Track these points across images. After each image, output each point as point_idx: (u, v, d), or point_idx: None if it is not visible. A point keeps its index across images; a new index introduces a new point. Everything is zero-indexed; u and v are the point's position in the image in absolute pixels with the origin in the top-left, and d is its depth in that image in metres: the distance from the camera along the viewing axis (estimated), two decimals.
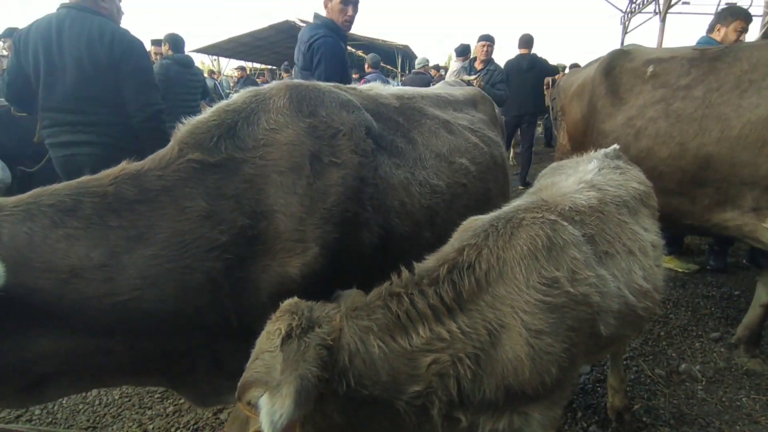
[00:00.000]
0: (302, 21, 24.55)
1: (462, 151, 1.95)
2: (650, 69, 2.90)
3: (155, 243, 1.18)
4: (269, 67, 24.63)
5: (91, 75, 2.54)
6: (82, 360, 1.20)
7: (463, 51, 7.42)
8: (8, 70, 2.69)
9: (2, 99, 3.40)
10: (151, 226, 1.19)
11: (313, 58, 3.16)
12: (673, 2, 13.54)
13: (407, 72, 9.38)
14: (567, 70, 11.97)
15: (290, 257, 1.30)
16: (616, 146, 2.24)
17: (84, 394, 2.70)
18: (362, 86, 1.92)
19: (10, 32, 5.20)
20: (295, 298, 1.25)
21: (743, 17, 4.06)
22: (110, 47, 2.54)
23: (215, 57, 29.26)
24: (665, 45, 13.31)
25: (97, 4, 2.66)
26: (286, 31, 25.14)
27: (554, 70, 8.12)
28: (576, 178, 1.74)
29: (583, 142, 3.25)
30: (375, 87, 1.96)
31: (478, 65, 5.86)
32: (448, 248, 1.35)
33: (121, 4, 2.91)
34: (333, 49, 3.14)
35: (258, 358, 1.17)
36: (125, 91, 2.61)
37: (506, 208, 1.48)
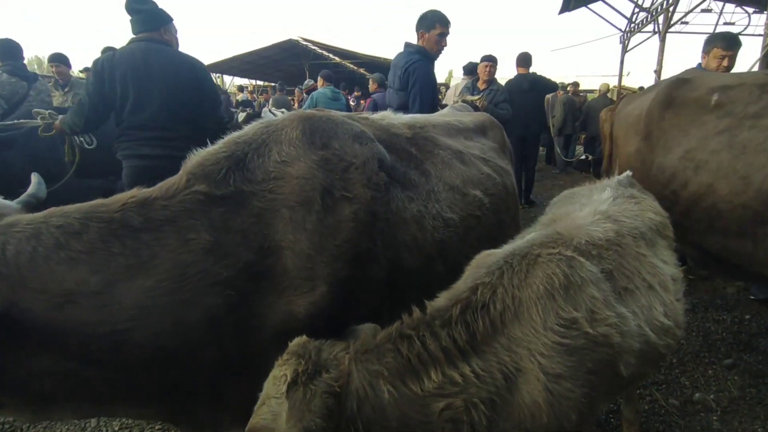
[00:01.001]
0: (305, 40, 24.89)
1: (475, 183, 1.90)
2: (715, 97, 2.67)
3: (155, 274, 1.15)
4: (273, 84, 24.83)
5: (176, 97, 2.93)
6: (79, 385, 1.18)
7: (471, 69, 7.43)
8: (90, 95, 2.93)
9: (17, 121, 3.53)
10: (153, 256, 1.16)
11: (409, 80, 3.65)
12: (672, 22, 13.65)
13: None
14: (569, 88, 12.03)
15: (297, 296, 1.26)
16: (629, 173, 2.19)
17: (83, 425, 2.62)
18: (374, 115, 1.88)
19: (58, 56, 5.72)
20: (304, 338, 1.20)
21: (721, 44, 3.86)
22: (192, 72, 3.00)
23: (218, 75, 29.64)
24: (665, 64, 13.43)
25: (162, 37, 3.06)
26: (289, 50, 25.47)
27: (554, 87, 8.12)
28: (591, 208, 1.68)
29: (640, 177, 2.86)
30: (387, 116, 1.92)
31: (480, 85, 5.86)
32: (461, 286, 1.29)
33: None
34: (426, 72, 3.63)
35: (265, 403, 1.13)
36: (203, 109, 3.04)
37: (520, 243, 1.42)
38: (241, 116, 9.52)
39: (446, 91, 8.62)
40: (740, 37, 4.14)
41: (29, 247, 1.10)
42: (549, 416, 1.19)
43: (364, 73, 24.41)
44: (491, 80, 5.86)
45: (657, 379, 2.89)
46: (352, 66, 24.62)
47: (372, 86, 8.81)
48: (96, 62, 2.90)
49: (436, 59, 3.84)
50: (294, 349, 1.16)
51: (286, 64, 27.60)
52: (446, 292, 1.30)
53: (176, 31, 3.24)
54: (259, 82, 30.45)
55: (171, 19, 3.16)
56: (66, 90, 5.69)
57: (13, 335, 1.07)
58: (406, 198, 1.55)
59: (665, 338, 1.47)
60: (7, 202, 1.33)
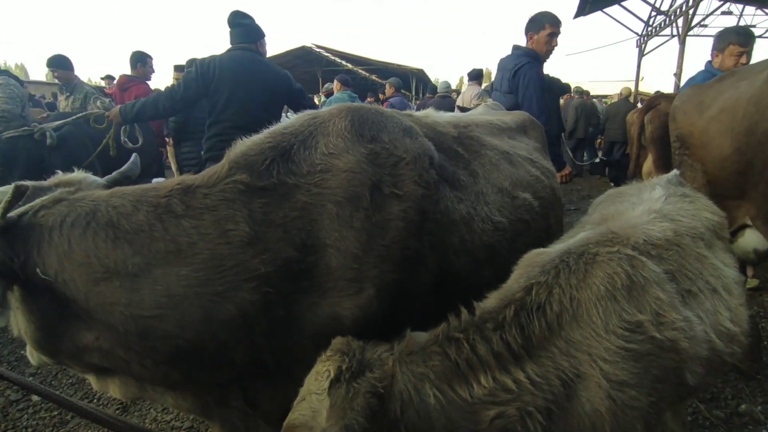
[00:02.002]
0: (318, 47, 25.05)
1: (524, 185, 1.80)
2: None
3: (192, 263, 1.12)
4: None
5: (276, 100, 3.36)
6: (120, 365, 1.20)
7: (476, 75, 7.39)
8: (188, 88, 3.18)
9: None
10: (192, 244, 1.13)
11: (519, 83, 3.65)
12: (692, 24, 13.42)
13: (421, 96, 9.40)
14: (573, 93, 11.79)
15: (342, 298, 1.18)
16: (676, 171, 2.08)
17: None
18: (418, 113, 1.81)
19: (56, 60, 5.49)
20: (348, 337, 1.13)
21: (738, 39, 3.56)
22: (285, 81, 3.40)
23: None
24: (685, 68, 13.18)
25: (258, 49, 3.42)
26: (302, 56, 25.67)
27: (566, 89, 8.01)
28: (644, 207, 1.58)
29: (737, 184, 2.42)
30: (431, 114, 1.84)
31: None
32: (514, 286, 1.21)
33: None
34: (536, 74, 3.62)
35: (305, 399, 1.07)
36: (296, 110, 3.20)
37: (572, 241, 1.33)
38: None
39: (457, 96, 8.57)
40: (761, 39, 3.86)
41: (84, 221, 1.12)
42: (612, 426, 1.10)
43: (377, 79, 24.48)
44: None
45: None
46: (364, 72, 24.68)
47: (389, 90, 8.79)
48: (203, 63, 3.13)
49: (546, 60, 3.85)
50: (338, 347, 1.10)
51: (300, 71, 27.77)
52: (496, 292, 1.22)
53: (266, 45, 3.59)
54: None
55: (265, 35, 3.51)
56: (67, 95, 5.42)
57: (62, 305, 1.12)
58: (455, 198, 1.47)
59: (731, 346, 1.36)
60: (95, 177, 1.38)
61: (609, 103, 12.78)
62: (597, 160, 7.55)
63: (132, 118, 3.26)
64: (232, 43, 3.36)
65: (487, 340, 1.10)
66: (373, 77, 24.16)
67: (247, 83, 3.14)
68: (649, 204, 1.61)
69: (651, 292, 1.18)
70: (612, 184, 7.98)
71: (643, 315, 1.13)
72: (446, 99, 8.31)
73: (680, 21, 13.67)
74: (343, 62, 25.88)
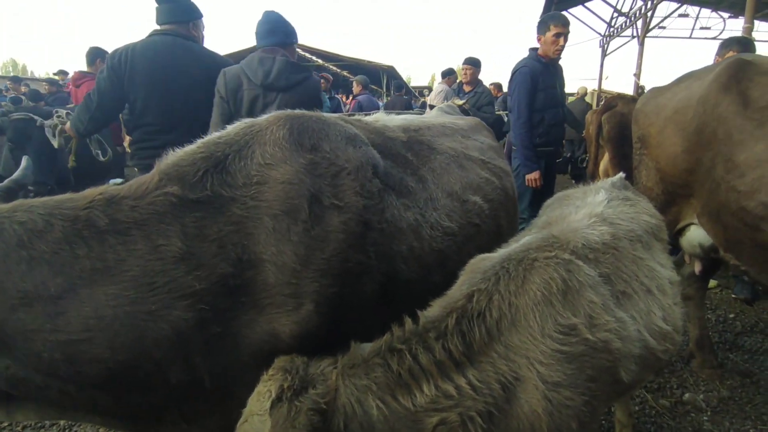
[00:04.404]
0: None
1: (474, 188, 1.81)
2: None
3: (121, 281, 1.06)
4: None
5: (208, 96, 2.60)
6: (38, 392, 1.11)
7: (447, 73, 7.47)
8: (100, 92, 2.63)
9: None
10: (120, 261, 1.07)
11: (511, 86, 4.05)
12: (650, 26, 13.91)
13: (392, 92, 9.45)
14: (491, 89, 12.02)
15: (280, 314, 1.16)
16: (622, 175, 2.16)
17: None
18: (368, 117, 1.81)
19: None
20: (293, 354, 1.13)
21: (738, 48, 3.69)
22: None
23: None
24: (644, 68, 13.66)
25: (190, 32, 2.79)
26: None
27: None
28: (586, 211, 1.64)
29: (686, 182, 2.52)
30: (381, 118, 1.84)
31: (466, 88, 5.87)
32: (456, 293, 1.24)
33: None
34: (524, 79, 3.94)
35: (247, 420, 1.07)
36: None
37: (516, 247, 1.37)
38: None
39: (428, 93, 8.70)
40: (717, 41, 4.04)
41: None
42: (549, 426, 1.14)
43: (348, 75, 24.32)
44: (477, 83, 5.86)
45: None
46: (335, 68, 24.50)
47: (356, 88, 8.76)
48: (113, 56, 2.60)
49: (556, 60, 4.10)
50: (281, 365, 1.10)
51: None
52: (440, 299, 1.25)
53: (203, 28, 2.95)
54: None
55: (201, 15, 2.89)
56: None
57: None
58: (402, 206, 1.47)
59: (664, 343, 1.43)
60: None
61: (571, 101, 13.12)
62: (559, 159, 7.72)
63: (77, 133, 2.82)
64: (157, 23, 2.78)
65: (430, 348, 1.13)
66: (345, 73, 23.99)
67: (167, 76, 2.59)
68: (591, 208, 1.67)
69: (585, 296, 1.23)
70: (573, 182, 8.20)
71: (577, 318, 1.18)
72: (400, 98, 8.45)
73: (639, 23, 14.17)
74: (313, 58, 25.60)
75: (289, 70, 2.82)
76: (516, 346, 1.15)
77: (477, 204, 1.76)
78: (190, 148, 1.25)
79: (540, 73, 4.02)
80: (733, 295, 4.07)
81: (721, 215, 2.27)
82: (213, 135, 1.30)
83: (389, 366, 1.11)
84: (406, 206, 1.48)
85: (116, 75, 2.58)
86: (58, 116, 3.27)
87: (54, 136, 2.97)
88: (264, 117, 1.37)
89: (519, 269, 1.24)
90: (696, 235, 2.54)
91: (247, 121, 1.37)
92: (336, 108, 8.68)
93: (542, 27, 3.98)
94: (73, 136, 2.89)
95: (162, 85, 2.59)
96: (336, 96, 9.30)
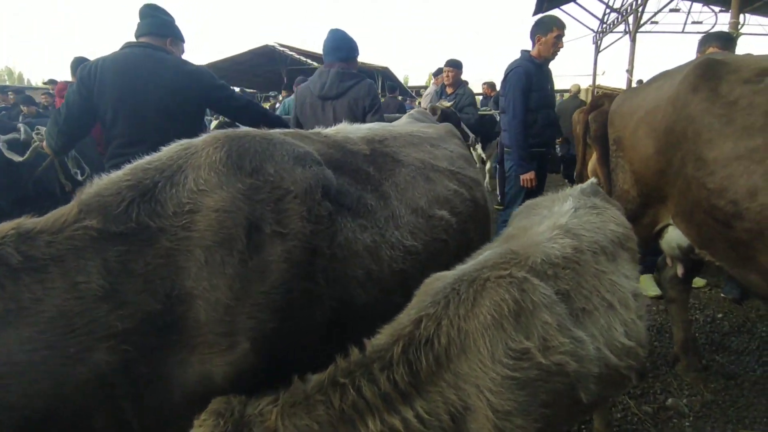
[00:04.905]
0: (281, 45, 24.68)
1: (442, 202, 1.73)
2: None
3: (36, 323, 0.98)
4: (251, 91, 24.55)
5: (179, 110, 2.59)
6: None
7: (437, 73, 7.43)
8: (69, 105, 2.58)
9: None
10: (36, 301, 0.99)
11: (506, 87, 4.12)
12: (642, 22, 13.86)
13: (386, 94, 9.38)
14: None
15: (213, 354, 1.09)
16: (593, 180, 2.12)
17: None
18: (329, 130, 1.74)
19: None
20: (230, 395, 1.08)
21: (718, 43, 3.67)
22: (197, 82, 2.67)
23: None
24: (636, 64, 13.61)
25: (166, 47, 2.76)
26: (266, 55, 25.19)
27: None
28: (550, 222, 1.60)
29: (659, 184, 2.47)
30: (344, 130, 1.77)
31: (448, 90, 5.86)
32: (404, 319, 1.19)
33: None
34: (518, 80, 3.98)
35: None
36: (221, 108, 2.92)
37: (471, 264, 1.33)
38: (214, 124, 9.28)
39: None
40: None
41: None
42: None
43: None
44: (459, 84, 5.87)
45: (629, 385, 2.84)
46: None
47: None
48: (83, 68, 2.56)
49: (551, 60, 4.21)
50: (214, 407, 1.03)
51: (264, 70, 27.27)
52: (389, 326, 1.19)
53: (183, 52, 2.96)
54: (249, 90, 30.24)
55: (183, 40, 2.93)
56: None
57: None
58: (358, 227, 1.40)
59: (627, 359, 1.39)
60: None
61: (565, 99, 13.07)
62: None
63: (55, 148, 2.71)
64: (135, 35, 2.76)
65: (374, 380, 1.08)
66: None
67: (136, 87, 2.51)
68: (555, 218, 1.63)
69: (539, 317, 1.18)
70: (566, 181, 8.16)
71: (529, 342, 1.14)
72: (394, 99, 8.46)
73: (631, 18, 14.12)
74: (309, 61, 25.54)
75: (339, 79, 3.27)
76: (465, 373, 1.11)
77: (444, 218, 1.69)
78: (116, 175, 1.17)
79: (533, 73, 4.05)
80: (722, 295, 4.03)
81: (693, 214, 2.24)
82: (143, 160, 1.22)
83: (331, 402, 1.06)
84: (363, 227, 1.40)
85: (85, 87, 2.53)
86: (37, 133, 3.23)
87: (6, 149, 2.92)
88: (200, 138, 1.28)
89: (470, 291, 1.19)
90: (674, 236, 2.50)
91: (183, 142, 1.28)
92: None
93: (544, 28, 4.02)
94: (49, 153, 2.81)
95: (131, 96, 2.52)
96: None
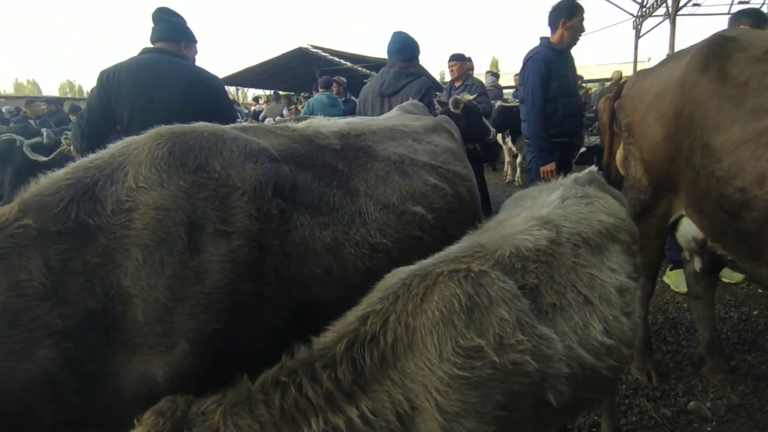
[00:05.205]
0: (314, 47, 25.01)
1: (417, 197, 1.67)
2: None
3: None
4: (285, 93, 25.00)
5: (188, 115, 2.59)
6: None
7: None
8: (90, 109, 2.78)
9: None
10: None
11: (524, 75, 4.01)
12: (681, 4, 13.09)
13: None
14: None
15: (152, 354, 1.07)
16: (593, 168, 2.00)
17: None
18: (301, 124, 1.69)
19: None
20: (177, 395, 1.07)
21: (748, 21, 3.45)
22: (206, 88, 2.84)
23: (238, 88, 30.18)
24: (677, 48, 12.85)
25: (181, 51, 2.93)
26: (300, 57, 25.62)
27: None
28: (529, 213, 1.51)
29: (670, 173, 2.30)
30: (316, 124, 1.72)
31: (456, 84, 5.80)
32: (351, 315, 1.15)
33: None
34: (537, 67, 3.83)
35: None
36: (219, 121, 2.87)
37: (432, 258, 1.27)
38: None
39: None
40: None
41: None
42: None
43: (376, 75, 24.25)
44: (465, 77, 5.81)
45: (649, 386, 2.67)
46: (364, 70, 24.54)
47: None
48: (102, 74, 2.73)
49: (573, 46, 4.07)
50: (158, 407, 1.02)
51: (300, 72, 27.70)
52: (337, 322, 1.15)
53: (196, 52, 3.14)
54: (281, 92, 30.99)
55: (196, 41, 3.09)
56: None
57: None
58: (317, 225, 1.35)
59: (607, 359, 1.29)
60: None
61: (607, 87, 12.51)
62: (583, 149, 7.37)
63: (80, 150, 2.80)
64: (150, 41, 2.95)
65: (317, 379, 1.04)
66: (373, 74, 24.01)
67: (151, 90, 2.66)
68: (537, 209, 1.54)
69: (495, 313, 1.11)
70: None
71: (482, 339, 1.07)
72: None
73: (671, 1, 13.35)
74: (341, 61, 25.75)
75: (396, 78, 3.73)
76: (412, 372, 1.05)
77: (418, 215, 1.62)
78: (58, 173, 1.17)
79: (553, 61, 3.90)
80: (761, 290, 3.74)
81: (703, 205, 2.06)
82: (85, 158, 1.22)
83: (273, 401, 1.03)
84: (324, 225, 1.36)
85: (105, 92, 2.71)
86: (65, 138, 3.45)
87: (33, 152, 3.11)
88: (143, 135, 1.27)
89: (420, 286, 1.13)
90: (688, 228, 2.32)
91: (127, 139, 1.27)
92: (352, 110, 8.64)
93: (568, 12, 3.88)
94: (75, 155, 2.97)
95: (144, 100, 2.67)
96: (352, 98, 9.24)
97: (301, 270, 1.29)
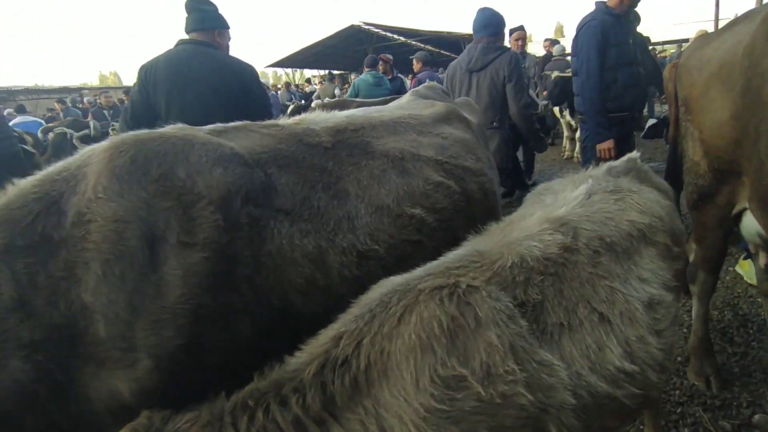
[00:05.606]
0: (367, 24, 24.76)
1: (416, 198, 1.53)
2: None
3: None
4: (339, 72, 25.10)
5: (221, 106, 2.70)
6: None
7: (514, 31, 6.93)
8: (132, 104, 2.89)
9: None
10: None
11: (577, 44, 3.67)
12: None
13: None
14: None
15: (117, 369, 1.05)
16: (633, 154, 1.76)
17: None
18: (290, 120, 1.59)
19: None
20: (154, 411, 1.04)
21: None
22: (238, 77, 2.83)
23: (294, 69, 30.69)
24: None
25: (215, 39, 2.95)
26: (352, 36, 25.51)
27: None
28: (543, 213, 1.34)
29: (734, 157, 1.98)
30: (308, 119, 1.61)
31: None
32: (324, 335, 1.06)
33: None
34: (592, 34, 3.52)
35: None
36: (252, 115, 2.87)
37: (420, 270, 1.14)
38: (290, 108, 9.61)
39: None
40: None
41: None
42: None
43: (431, 49, 23.68)
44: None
45: (706, 394, 2.39)
46: (417, 44, 24.00)
47: (416, 66, 8.37)
48: (141, 68, 2.82)
49: (634, 7, 3.75)
50: (133, 424, 1.00)
51: (352, 50, 27.66)
52: (311, 341, 1.07)
53: (230, 39, 3.16)
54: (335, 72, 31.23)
55: (228, 26, 3.09)
56: None
57: None
58: (297, 233, 1.26)
59: (629, 386, 1.11)
60: None
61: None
62: (653, 121, 6.73)
63: None
64: (185, 31, 2.97)
65: (285, 404, 0.97)
66: (428, 47, 23.45)
67: (184, 83, 2.69)
68: (554, 208, 1.36)
69: (483, 337, 0.97)
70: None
71: (464, 368, 0.94)
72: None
73: None
74: (395, 36, 25.34)
75: (483, 53, 3.81)
76: (387, 402, 0.95)
77: (417, 217, 1.48)
78: (26, 186, 1.14)
79: (611, 26, 3.53)
80: None
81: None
82: (54, 168, 1.19)
83: (240, 426, 0.97)
84: (304, 232, 1.27)
85: (143, 86, 2.79)
86: (113, 129, 3.61)
87: (82, 144, 3.24)
88: (104, 143, 1.22)
89: (399, 305, 1.02)
90: (752, 222, 1.99)
91: (92, 147, 1.23)
92: (399, 88, 8.42)
93: None
94: None
95: (178, 92, 2.73)
96: (399, 76, 8.99)
97: (280, 280, 1.21)
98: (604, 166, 1.63)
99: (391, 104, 2.17)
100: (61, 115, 11.52)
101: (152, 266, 1.06)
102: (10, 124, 4.69)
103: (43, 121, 8.47)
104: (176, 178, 1.15)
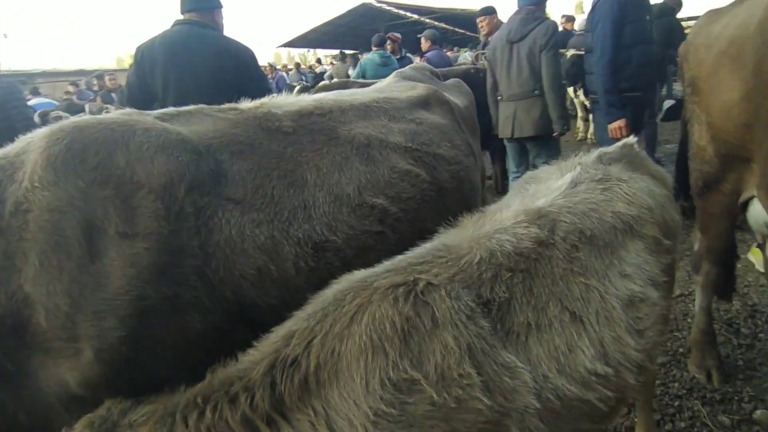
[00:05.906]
0: (379, 1, 24.28)
1: (380, 187, 1.46)
2: None
3: None
4: (351, 52, 24.83)
5: (220, 86, 2.66)
6: None
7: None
8: (129, 86, 2.88)
9: None
10: None
11: (594, 18, 3.60)
12: None
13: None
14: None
15: (61, 359, 1.03)
16: (628, 140, 1.66)
17: None
18: (253, 104, 1.50)
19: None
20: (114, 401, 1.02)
21: None
22: (235, 59, 2.79)
23: (307, 50, 30.42)
24: None
25: (213, 19, 2.93)
26: (364, 14, 25.06)
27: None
28: (519, 205, 1.27)
29: (743, 142, 1.87)
30: (271, 102, 1.54)
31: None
32: (276, 333, 1.01)
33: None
34: (610, 7, 3.44)
35: None
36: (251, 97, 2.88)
37: (380, 266, 1.09)
38: (296, 89, 9.52)
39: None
40: None
41: None
42: None
43: (446, 27, 23.13)
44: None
45: (706, 387, 2.31)
46: (431, 21, 23.50)
47: (425, 44, 8.16)
48: (137, 50, 2.77)
49: None
50: (92, 415, 0.98)
51: (364, 29, 27.18)
52: (263, 339, 1.03)
53: (222, 18, 3.12)
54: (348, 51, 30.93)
55: (221, 5, 3.07)
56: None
57: None
58: (248, 222, 1.21)
59: (601, 389, 1.05)
60: None
61: None
62: (671, 102, 6.46)
63: None
64: (181, 11, 2.93)
65: (235, 402, 0.94)
66: (442, 25, 22.95)
67: (181, 64, 2.65)
68: (533, 199, 1.28)
69: (439, 339, 0.92)
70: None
71: (416, 372, 0.89)
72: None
73: None
74: (408, 14, 24.84)
75: (522, 24, 3.86)
76: (337, 404, 0.91)
77: (379, 207, 1.41)
78: None
79: (629, 3, 3.44)
80: None
81: None
82: None
83: (191, 423, 0.94)
84: (256, 222, 1.21)
85: (140, 68, 2.76)
86: (107, 112, 3.64)
87: None
88: (43, 129, 1.17)
89: (353, 303, 0.97)
90: (759, 210, 1.88)
91: (31, 134, 1.18)
92: None
93: None
94: None
95: (175, 73, 2.69)
96: (407, 56, 8.80)
97: (231, 271, 1.17)
98: (595, 153, 1.54)
99: (371, 87, 2.09)
100: (74, 98, 11.59)
101: (91, 257, 1.03)
102: None
103: (57, 104, 8.60)
104: (115, 166, 1.10)
